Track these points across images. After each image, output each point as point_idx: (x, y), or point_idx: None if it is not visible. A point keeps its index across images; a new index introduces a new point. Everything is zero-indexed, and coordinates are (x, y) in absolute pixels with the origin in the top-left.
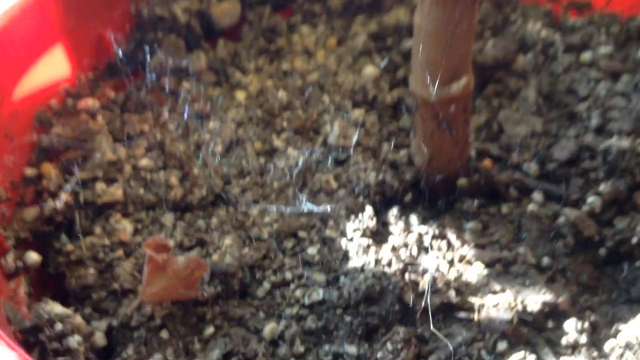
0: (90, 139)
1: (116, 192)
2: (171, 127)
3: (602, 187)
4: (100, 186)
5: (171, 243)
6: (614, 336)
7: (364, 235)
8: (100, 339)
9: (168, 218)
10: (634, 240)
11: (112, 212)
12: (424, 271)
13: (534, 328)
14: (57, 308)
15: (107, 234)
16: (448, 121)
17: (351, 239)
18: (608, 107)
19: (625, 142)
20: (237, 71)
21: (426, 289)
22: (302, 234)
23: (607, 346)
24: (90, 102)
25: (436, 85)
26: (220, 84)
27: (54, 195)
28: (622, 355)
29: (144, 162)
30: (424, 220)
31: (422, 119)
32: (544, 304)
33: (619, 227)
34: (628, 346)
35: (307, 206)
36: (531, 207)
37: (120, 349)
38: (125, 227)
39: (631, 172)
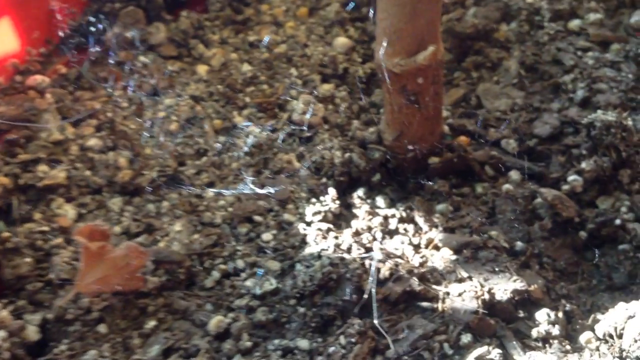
0: (37, 118)
1: (59, 174)
2: (124, 104)
3: (584, 165)
4: (42, 168)
5: (109, 229)
6: (591, 327)
7: (324, 219)
8: (32, 333)
9: (115, 202)
10: (617, 221)
11: (54, 197)
12: (386, 257)
13: (503, 319)
14: None
15: (47, 220)
16: (416, 94)
17: (310, 224)
18: (595, 78)
19: (611, 116)
20: (200, 44)
21: (373, 277)
22: (258, 218)
23: (582, 338)
24: (39, 79)
25: (400, 55)
26: (181, 57)
27: None
28: (597, 349)
29: (92, 142)
30: (391, 203)
31: (389, 93)
32: (515, 292)
33: (602, 207)
34: (605, 338)
35: (259, 189)
36: (507, 186)
37: (53, 345)
38: (67, 212)
39: (616, 148)
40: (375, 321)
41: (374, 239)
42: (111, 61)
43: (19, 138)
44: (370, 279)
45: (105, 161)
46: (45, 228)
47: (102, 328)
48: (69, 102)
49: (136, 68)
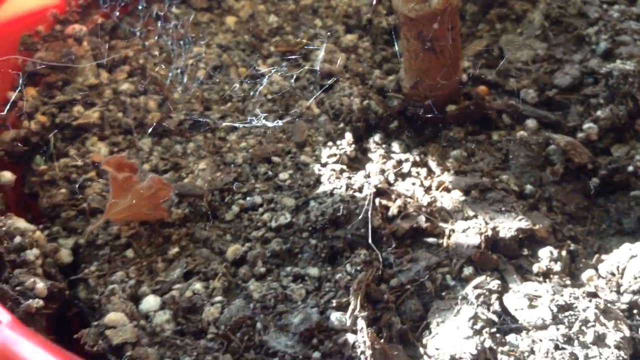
0: (74, 64)
1: (92, 114)
2: (155, 52)
3: (600, 113)
4: (77, 109)
5: (136, 163)
6: (595, 266)
7: (339, 161)
8: (65, 255)
9: (145, 142)
10: (630, 168)
11: (89, 135)
12: (397, 197)
13: (505, 255)
14: (19, 223)
15: (81, 156)
16: (432, 41)
17: (325, 165)
18: (619, 30)
19: (629, 65)
20: None
21: (369, 206)
22: (276, 159)
23: (584, 275)
24: (77, 28)
25: (416, 0)
26: (211, 9)
27: (31, 117)
28: (597, 285)
29: (125, 86)
30: (406, 148)
31: (406, 39)
32: (519, 230)
33: (616, 155)
34: (606, 276)
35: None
36: (521, 133)
37: (84, 266)
38: (100, 149)
39: (633, 97)
40: (370, 241)
41: (387, 179)
42: (145, 12)
43: (57, 81)
44: (365, 208)
45: (136, 104)
46: (79, 163)
47: (129, 253)
48: (104, 50)
49: (169, 19)
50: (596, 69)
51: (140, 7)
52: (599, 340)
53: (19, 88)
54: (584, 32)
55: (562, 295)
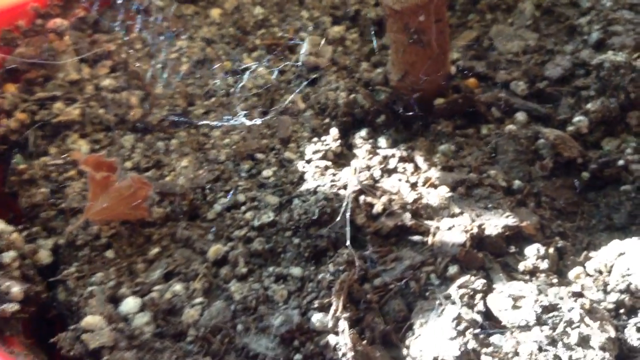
0: (55, 59)
1: (73, 111)
2: (138, 46)
3: (590, 106)
4: (57, 106)
5: (116, 162)
6: (582, 264)
7: (324, 157)
8: (45, 256)
9: (128, 139)
10: (621, 162)
11: (69, 133)
12: (382, 194)
13: (492, 252)
14: None
15: (61, 154)
16: (419, 33)
17: (309, 161)
18: (612, 20)
19: (620, 57)
20: None
21: (347, 206)
22: (260, 155)
23: (572, 273)
24: (59, 22)
25: None
26: (196, 1)
27: (10, 115)
28: (583, 284)
29: (107, 82)
30: (393, 143)
31: (392, 31)
32: (505, 227)
33: (607, 148)
34: (594, 274)
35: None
36: (510, 127)
37: (63, 267)
38: (81, 147)
39: (625, 89)
40: (348, 243)
41: (372, 176)
42: (127, 5)
43: (37, 77)
44: (344, 207)
45: (118, 100)
46: (60, 161)
47: (109, 253)
48: (86, 44)
49: (151, 12)
50: (587, 60)
51: (119, 2)
52: (584, 341)
53: None
54: (576, 22)
55: (546, 296)
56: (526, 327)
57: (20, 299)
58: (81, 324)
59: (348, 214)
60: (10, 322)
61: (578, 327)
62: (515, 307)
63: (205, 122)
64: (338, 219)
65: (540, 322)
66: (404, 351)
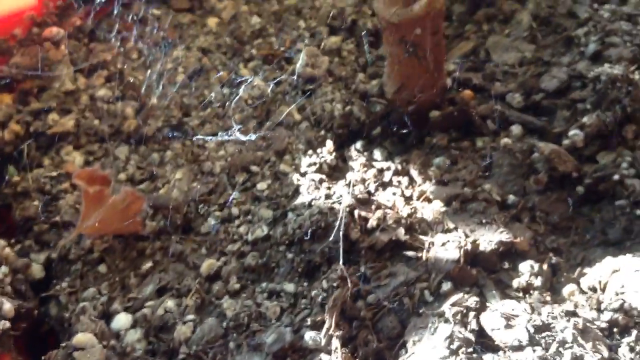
0: (51, 69)
1: (67, 122)
2: (134, 56)
3: (586, 119)
4: (52, 117)
5: (109, 175)
6: (577, 281)
7: (319, 170)
8: (37, 271)
9: (122, 150)
10: (616, 177)
11: (63, 144)
12: (376, 208)
13: (485, 269)
14: None
15: (55, 166)
16: (415, 46)
17: (304, 174)
18: (609, 31)
19: (617, 69)
20: None
21: (340, 222)
22: (254, 168)
23: (565, 290)
24: (55, 31)
25: (398, 5)
26: (193, 10)
27: (4, 126)
28: (577, 302)
29: (102, 92)
30: (388, 156)
31: (389, 44)
32: (499, 243)
33: (602, 163)
34: (588, 291)
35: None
36: (505, 140)
37: (55, 282)
38: (75, 159)
39: (621, 102)
40: (340, 262)
41: (367, 189)
42: (124, 14)
43: (32, 87)
44: (338, 223)
45: (113, 111)
46: (54, 173)
47: (102, 268)
48: (82, 53)
49: (148, 21)
50: (584, 72)
51: (116, 11)
52: None
53: None
54: (573, 33)
55: (539, 315)
56: (519, 347)
57: (12, 316)
58: (72, 341)
59: (341, 233)
60: (1, 339)
61: (571, 347)
62: (508, 326)
63: (199, 137)
64: (332, 234)
65: (533, 342)
66: None
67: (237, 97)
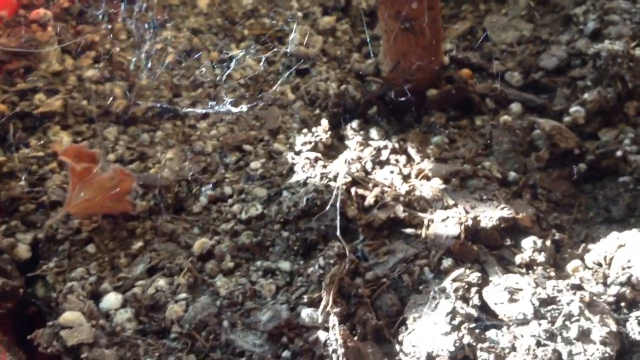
0: (38, 50)
1: (55, 103)
2: (122, 37)
3: (587, 96)
4: (39, 97)
5: (97, 153)
6: (581, 256)
7: (314, 149)
8: (24, 251)
9: (111, 131)
10: (619, 153)
11: (51, 124)
12: (374, 185)
13: (487, 245)
14: None
15: (42, 146)
16: (411, 21)
17: (299, 153)
18: (608, 9)
19: (618, 46)
20: None
21: (336, 199)
22: (247, 147)
23: (569, 266)
24: (42, 13)
25: None
26: None
27: None
28: (582, 277)
29: (90, 72)
30: (385, 135)
31: (384, 19)
32: (501, 219)
33: (604, 139)
34: (593, 267)
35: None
36: (505, 118)
37: (42, 262)
38: (62, 139)
39: (622, 78)
40: (338, 233)
41: (364, 168)
42: None
43: (18, 68)
44: (332, 200)
45: (101, 91)
46: (41, 154)
47: (90, 248)
48: (70, 35)
49: (136, 1)
50: (584, 50)
51: None
52: (584, 335)
53: None
54: (572, 11)
55: (544, 289)
56: (524, 321)
57: None
58: (59, 320)
59: (338, 205)
60: None
61: (578, 320)
62: (512, 300)
63: (190, 109)
64: (327, 209)
65: (538, 315)
66: (397, 347)
67: (229, 76)
